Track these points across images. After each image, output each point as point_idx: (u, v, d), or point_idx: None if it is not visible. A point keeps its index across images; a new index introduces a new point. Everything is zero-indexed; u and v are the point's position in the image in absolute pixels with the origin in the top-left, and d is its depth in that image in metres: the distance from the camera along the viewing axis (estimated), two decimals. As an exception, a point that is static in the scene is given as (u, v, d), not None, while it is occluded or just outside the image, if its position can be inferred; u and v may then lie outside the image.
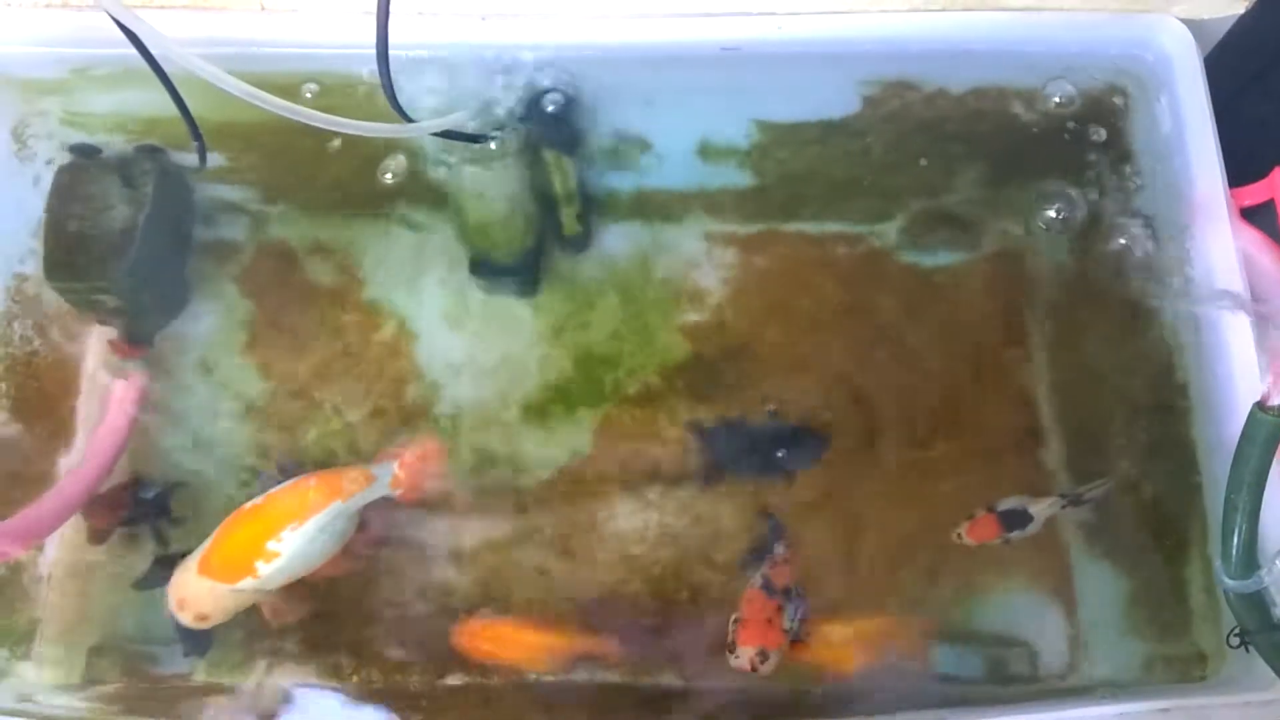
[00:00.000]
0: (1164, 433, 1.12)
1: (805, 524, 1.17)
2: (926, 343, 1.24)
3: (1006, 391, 1.22)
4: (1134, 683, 1.09)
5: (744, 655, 1.03)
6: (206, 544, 1.04)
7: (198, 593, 1.02)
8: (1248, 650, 0.95)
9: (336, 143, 1.23)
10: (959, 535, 1.11)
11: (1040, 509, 1.10)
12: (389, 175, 1.27)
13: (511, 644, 1.12)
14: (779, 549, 1.12)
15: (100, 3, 0.86)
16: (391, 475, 1.11)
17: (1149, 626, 1.11)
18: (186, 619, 1.03)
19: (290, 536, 1.02)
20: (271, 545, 1.01)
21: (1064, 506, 1.12)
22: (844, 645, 1.09)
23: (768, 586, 1.07)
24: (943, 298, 1.26)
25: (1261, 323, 1.02)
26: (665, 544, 1.17)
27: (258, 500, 1.05)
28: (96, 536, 1.17)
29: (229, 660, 1.13)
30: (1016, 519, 1.10)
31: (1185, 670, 1.06)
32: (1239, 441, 0.89)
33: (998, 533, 1.10)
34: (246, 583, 1.01)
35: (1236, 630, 0.95)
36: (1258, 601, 0.91)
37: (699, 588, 1.16)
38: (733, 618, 1.06)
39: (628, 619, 1.15)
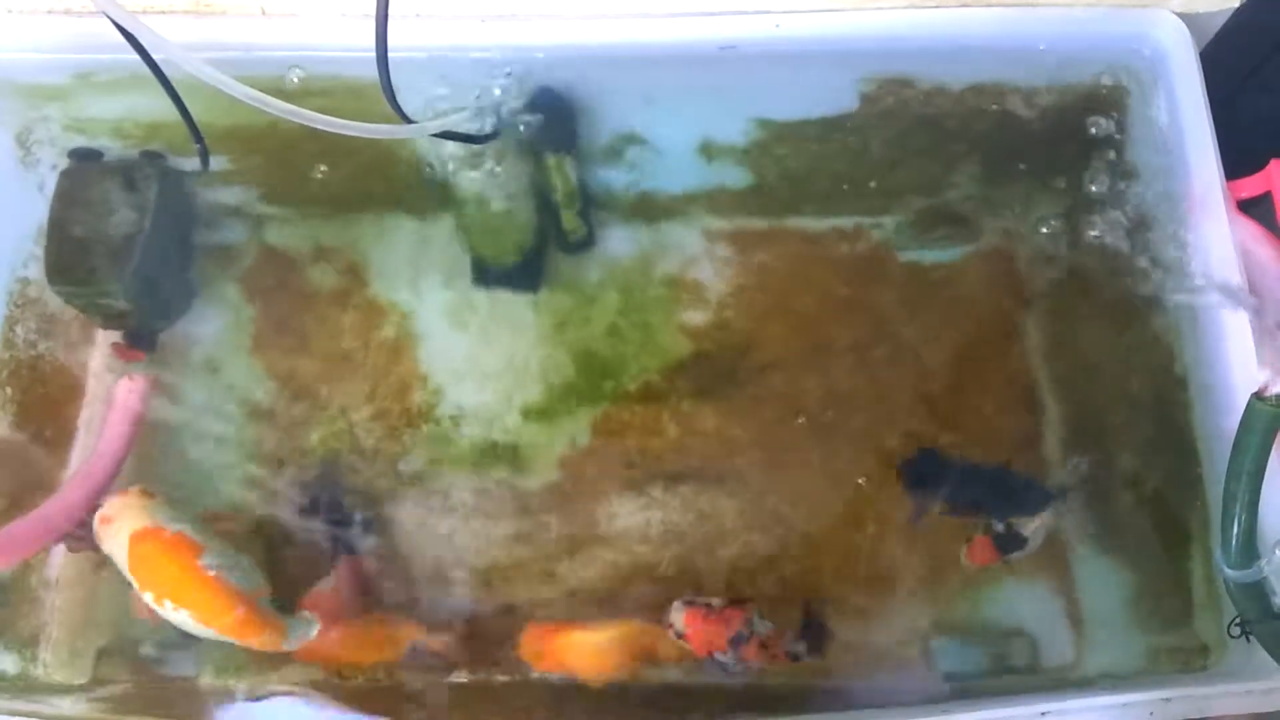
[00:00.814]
0: (1164, 424, 1.13)
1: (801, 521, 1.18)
2: (925, 337, 1.24)
3: (1005, 386, 1.22)
4: (1136, 674, 1.09)
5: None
6: None
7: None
8: (1248, 640, 0.95)
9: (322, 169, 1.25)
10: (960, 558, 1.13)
11: (1033, 528, 1.11)
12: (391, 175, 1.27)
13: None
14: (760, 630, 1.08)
15: (103, 8, 0.87)
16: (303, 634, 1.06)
17: (1151, 618, 1.12)
18: None
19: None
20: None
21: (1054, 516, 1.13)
22: (596, 652, 1.09)
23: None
24: (941, 293, 1.26)
25: (1259, 314, 1.03)
26: (670, 541, 1.18)
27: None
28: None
29: (234, 662, 1.13)
30: (1011, 540, 1.11)
31: (1187, 661, 1.06)
32: (1238, 431, 0.90)
33: (996, 555, 1.12)
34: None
35: (1237, 620, 0.95)
36: (1258, 591, 0.92)
37: (703, 584, 1.17)
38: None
39: (631, 615, 1.16)
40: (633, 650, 1.09)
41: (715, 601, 1.09)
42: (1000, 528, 1.11)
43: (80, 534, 1.09)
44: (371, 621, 1.13)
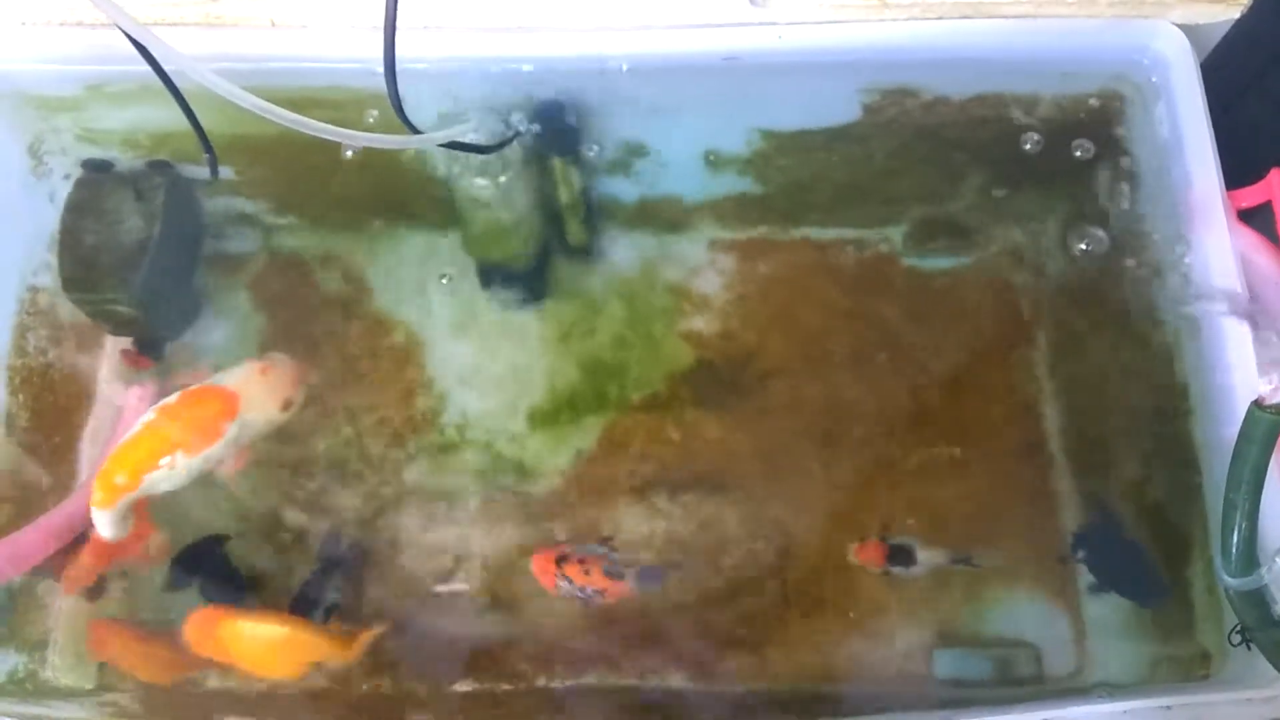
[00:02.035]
0: (1165, 433, 1.13)
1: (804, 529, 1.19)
2: (928, 346, 1.25)
3: (1007, 394, 1.23)
4: (1138, 682, 1.09)
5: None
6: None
7: None
8: (1249, 647, 0.95)
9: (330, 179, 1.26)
10: (847, 551, 1.15)
11: (926, 556, 1.13)
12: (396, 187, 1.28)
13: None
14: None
15: (115, 20, 0.88)
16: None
17: (1153, 626, 1.12)
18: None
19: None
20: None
21: (953, 564, 1.15)
22: (261, 646, 1.08)
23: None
24: (944, 302, 1.27)
25: (1259, 322, 1.03)
26: (672, 549, 1.18)
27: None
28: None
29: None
30: (901, 555, 1.13)
31: (1189, 669, 1.07)
32: (1237, 440, 0.90)
33: (881, 561, 1.13)
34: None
35: (1238, 628, 0.95)
36: (1258, 599, 0.92)
37: (704, 592, 1.17)
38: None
39: (635, 623, 1.16)
40: (301, 652, 1.09)
41: (562, 541, 1.17)
42: (898, 542, 1.13)
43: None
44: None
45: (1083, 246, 1.24)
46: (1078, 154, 1.22)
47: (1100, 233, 1.22)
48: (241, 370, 1.10)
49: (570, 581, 1.11)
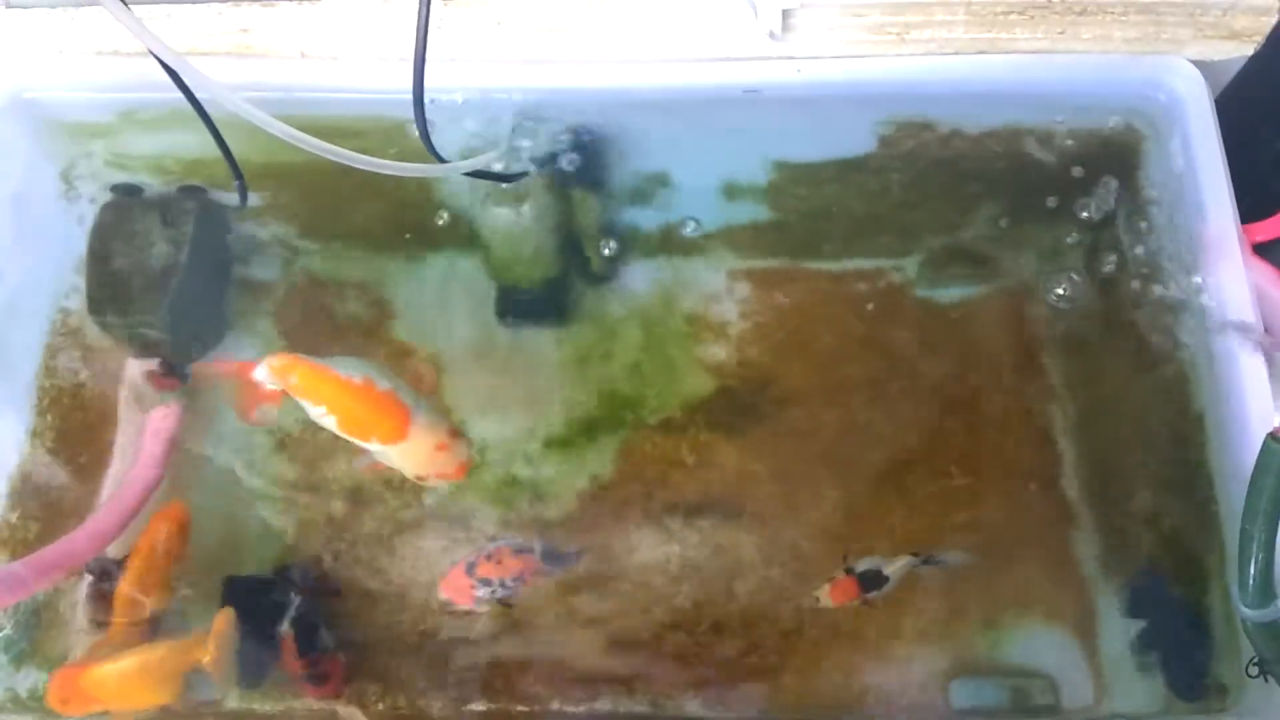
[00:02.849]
0: (1181, 464, 1.13)
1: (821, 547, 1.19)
2: (943, 376, 1.26)
3: (1022, 423, 1.23)
4: (1155, 714, 1.09)
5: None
6: None
7: None
8: (1266, 680, 0.95)
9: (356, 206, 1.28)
10: (817, 598, 1.12)
11: (894, 568, 1.12)
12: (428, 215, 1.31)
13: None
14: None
15: (151, 48, 0.91)
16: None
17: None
18: None
19: None
20: None
21: (917, 565, 1.14)
22: (125, 682, 1.08)
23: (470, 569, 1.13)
24: (959, 332, 1.28)
25: (1274, 355, 1.04)
26: (687, 575, 1.19)
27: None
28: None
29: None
30: (873, 580, 1.11)
31: (1206, 701, 1.06)
32: (1254, 472, 0.90)
33: (857, 593, 1.11)
34: None
35: (1255, 660, 0.95)
36: (1275, 631, 0.92)
37: (719, 618, 1.18)
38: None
39: (650, 648, 1.16)
40: (164, 671, 1.08)
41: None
42: (862, 567, 1.12)
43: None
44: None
45: (1097, 278, 1.25)
46: (1093, 188, 1.23)
47: (1116, 265, 1.23)
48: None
49: (486, 582, 1.11)
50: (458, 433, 1.07)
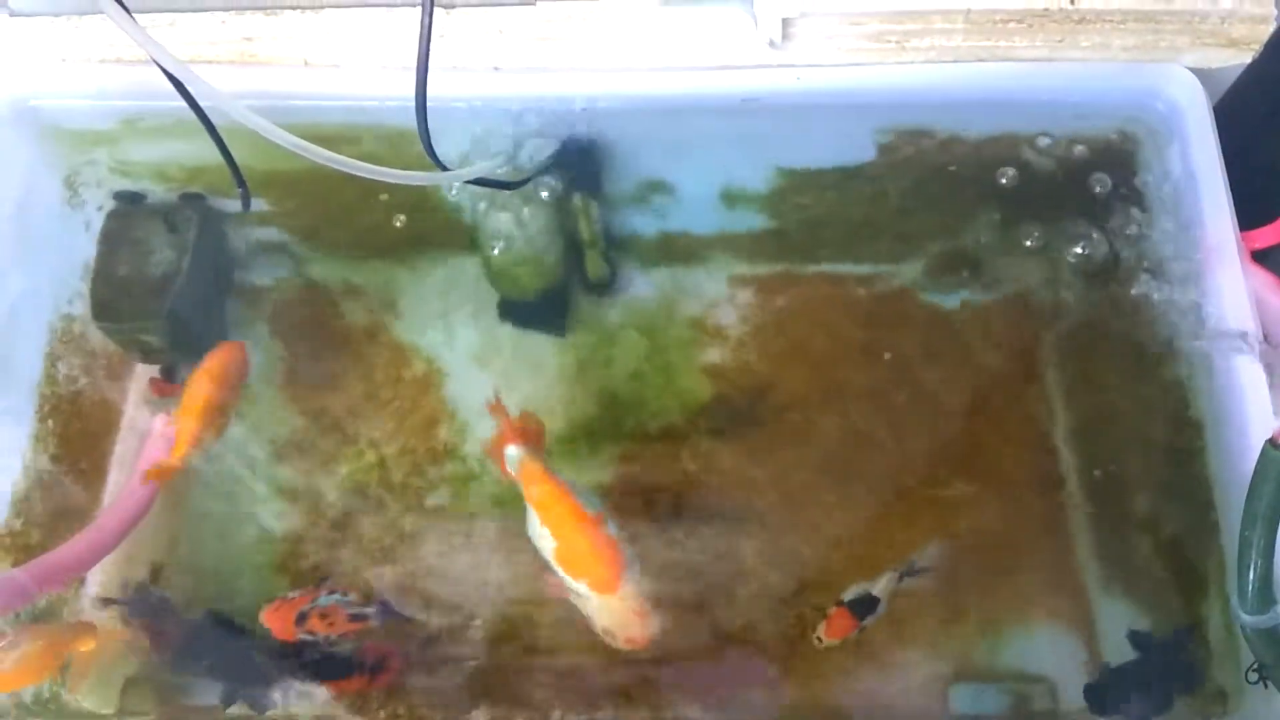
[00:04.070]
0: (1180, 470, 1.13)
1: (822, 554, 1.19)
2: (943, 381, 1.26)
3: (1022, 429, 1.24)
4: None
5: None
6: None
7: None
8: (1265, 686, 0.95)
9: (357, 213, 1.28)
10: (819, 639, 1.10)
11: (880, 588, 1.10)
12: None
13: None
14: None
15: (155, 56, 0.91)
16: None
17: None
18: None
19: None
20: None
21: (900, 579, 1.12)
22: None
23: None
24: (958, 337, 1.28)
25: (1273, 362, 1.04)
26: (687, 581, 1.19)
27: None
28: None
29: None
30: (865, 605, 1.10)
31: (1205, 707, 1.06)
32: (1252, 478, 0.90)
33: (854, 624, 1.10)
34: None
35: (1254, 665, 0.95)
36: (1274, 636, 0.92)
37: (720, 624, 1.18)
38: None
39: (650, 654, 1.16)
40: (37, 661, 1.09)
41: (292, 594, 1.14)
42: (850, 596, 1.10)
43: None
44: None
45: (1096, 285, 1.25)
46: (1093, 195, 1.24)
47: (1114, 271, 1.24)
48: None
49: (311, 634, 1.11)
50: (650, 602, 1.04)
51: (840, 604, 1.10)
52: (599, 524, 1.00)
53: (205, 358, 1.17)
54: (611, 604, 1.01)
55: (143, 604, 1.16)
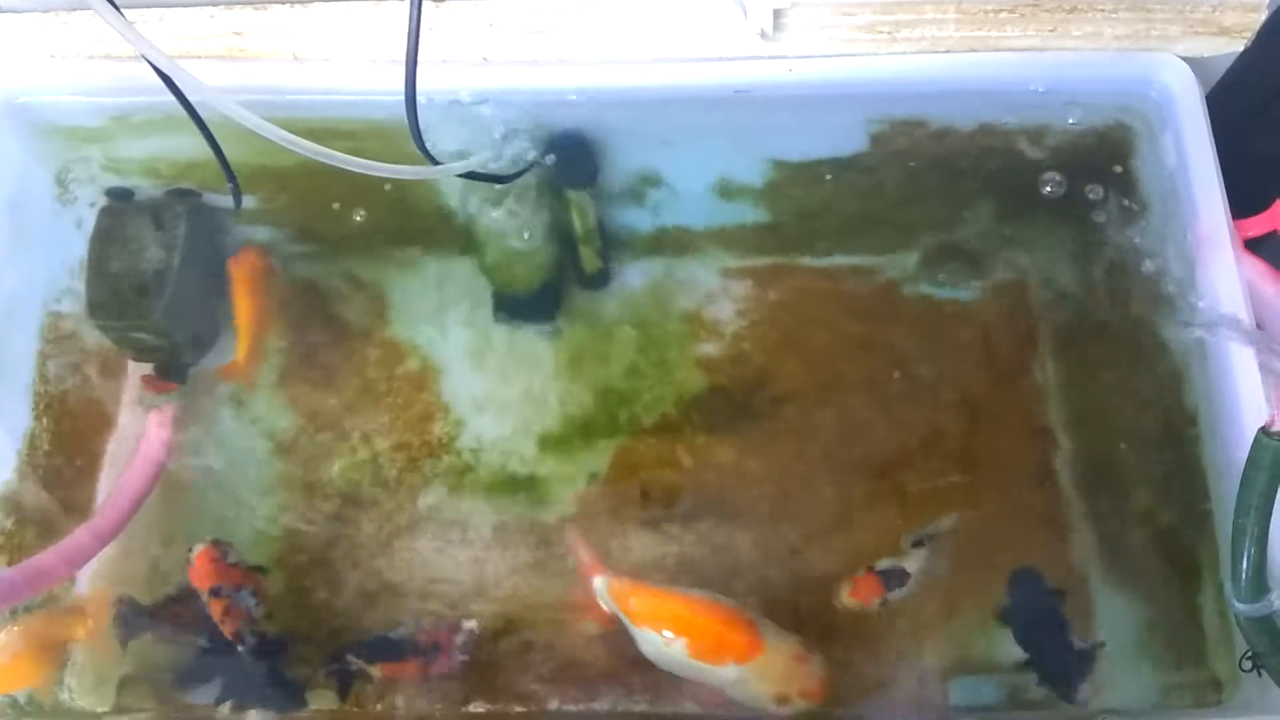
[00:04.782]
0: (1175, 460, 1.13)
1: (817, 554, 1.19)
2: (938, 373, 1.26)
3: (1018, 420, 1.24)
4: (1149, 709, 1.09)
5: None
6: None
7: None
8: (1260, 674, 0.95)
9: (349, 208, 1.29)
10: (842, 599, 1.11)
11: (910, 562, 1.11)
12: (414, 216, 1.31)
13: None
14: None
15: (143, 52, 0.91)
16: None
17: (1164, 653, 1.12)
18: None
19: None
20: None
21: (916, 547, 1.13)
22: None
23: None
24: (954, 329, 1.28)
25: (1266, 350, 1.04)
26: (683, 574, 1.19)
27: None
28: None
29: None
30: (895, 578, 1.11)
31: (1200, 696, 1.07)
32: (1245, 466, 0.91)
33: (879, 591, 1.10)
34: None
35: (1249, 654, 0.95)
36: (1268, 625, 0.92)
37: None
38: None
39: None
40: (30, 654, 1.10)
41: (231, 560, 1.16)
42: (886, 567, 1.11)
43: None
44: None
45: (1090, 274, 1.25)
46: (1085, 184, 1.24)
47: (1107, 261, 1.24)
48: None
49: (201, 594, 1.12)
50: (804, 643, 1.03)
51: (871, 570, 1.11)
52: (705, 600, 0.99)
53: (230, 268, 1.25)
54: (767, 664, 0.99)
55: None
